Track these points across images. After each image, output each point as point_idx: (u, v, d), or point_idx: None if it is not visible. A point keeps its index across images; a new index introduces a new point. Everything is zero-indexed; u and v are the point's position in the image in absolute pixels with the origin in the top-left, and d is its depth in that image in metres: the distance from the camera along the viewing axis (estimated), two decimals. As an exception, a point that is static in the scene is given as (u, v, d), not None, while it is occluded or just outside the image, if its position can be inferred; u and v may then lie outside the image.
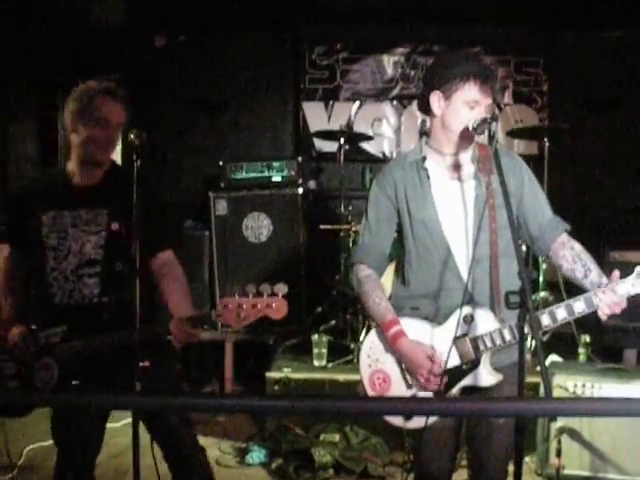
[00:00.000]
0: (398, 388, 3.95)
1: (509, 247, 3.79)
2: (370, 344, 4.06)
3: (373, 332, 4.07)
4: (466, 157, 3.95)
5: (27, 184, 4.69)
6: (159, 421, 4.41)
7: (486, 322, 3.84)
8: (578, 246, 4.00)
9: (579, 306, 3.73)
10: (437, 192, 3.96)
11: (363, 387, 4.06)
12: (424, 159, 3.99)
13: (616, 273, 3.72)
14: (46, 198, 4.36)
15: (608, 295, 3.68)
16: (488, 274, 3.91)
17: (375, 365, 4.02)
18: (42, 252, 4.33)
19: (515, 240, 3.47)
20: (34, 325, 4.30)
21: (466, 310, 3.84)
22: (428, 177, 3.97)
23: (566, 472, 5.62)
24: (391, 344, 3.90)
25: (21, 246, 4.47)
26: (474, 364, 3.85)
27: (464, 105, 3.87)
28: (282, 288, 3.79)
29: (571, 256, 3.96)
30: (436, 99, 3.94)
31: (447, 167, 3.98)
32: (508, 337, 3.76)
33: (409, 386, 3.93)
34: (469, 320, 3.83)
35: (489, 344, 3.81)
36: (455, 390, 3.87)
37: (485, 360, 3.84)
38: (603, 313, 3.73)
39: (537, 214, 4.04)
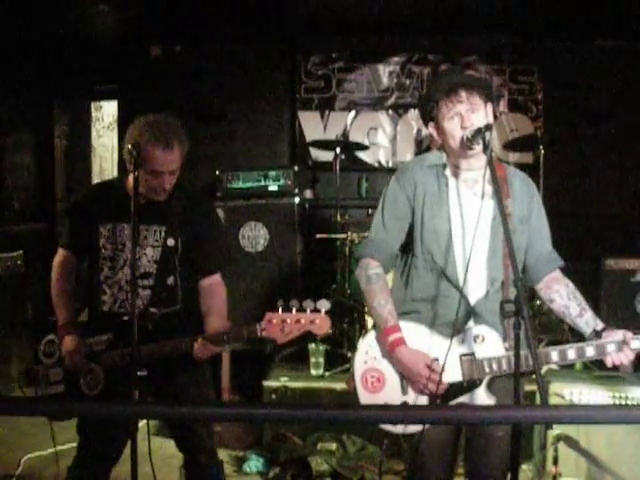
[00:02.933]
0: (392, 391, 3.95)
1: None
2: (371, 341, 4.04)
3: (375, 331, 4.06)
4: (481, 175, 3.95)
5: (87, 194, 4.76)
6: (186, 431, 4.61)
7: (494, 346, 3.86)
8: (572, 285, 4.07)
9: (590, 351, 3.81)
10: (454, 204, 3.97)
11: (353, 382, 4.03)
12: (445, 166, 4.02)
13: (629, 335, 3.79)
14: (106, 210, 4.49)
15: (626, 353, 3.78)
16: (500, 296, 3.94)
17: (372, 363, 4.00)
18: (97, 261, 4.49)
19: (510, 247, 3.47)
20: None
21: (478, 330, 3.86)
22: (447, 185, 3.99)
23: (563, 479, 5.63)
24: (389, 350, 3.89)
25: (78, 254, 4.63)
26: (475, 384, 3.87)
27: (450, 122, 3.90)
28: (325, 304, 3.93)
29: (566, 293, 4.03)
30: (433, 131, 4.03)
31: (464, 181, 3.99)
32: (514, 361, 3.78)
33: (404, 392, 3.93)
34: (480, 341, 3.85)
35: (495, 368, 3.83)
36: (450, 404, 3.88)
37: (485, 382, 3.86)
38: (612, 362, 3.80)
39: (537, 244, 4.09)
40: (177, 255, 4.45)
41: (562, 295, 4.02)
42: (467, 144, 3.81)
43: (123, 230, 4.46)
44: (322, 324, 4.01)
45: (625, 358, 3.78)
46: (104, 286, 4.47)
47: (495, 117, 4.03)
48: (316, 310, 3.96)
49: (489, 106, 3.92)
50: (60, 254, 4.64)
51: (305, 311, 3.97)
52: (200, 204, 4.67)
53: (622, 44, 9.28)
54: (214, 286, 4.66)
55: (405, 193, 4.02)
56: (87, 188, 4.73)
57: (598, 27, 8.96)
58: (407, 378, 3.90)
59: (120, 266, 4.45)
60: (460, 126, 3.85)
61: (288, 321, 3.99)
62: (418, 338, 3.91)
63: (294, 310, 4.01)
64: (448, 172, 4.00)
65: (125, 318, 4.27)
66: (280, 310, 3.99)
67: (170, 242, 4.42)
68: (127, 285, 4.42)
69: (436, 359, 3.87)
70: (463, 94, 3.86)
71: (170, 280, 4.47)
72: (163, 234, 4.44)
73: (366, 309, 7.06)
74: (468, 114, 3.85)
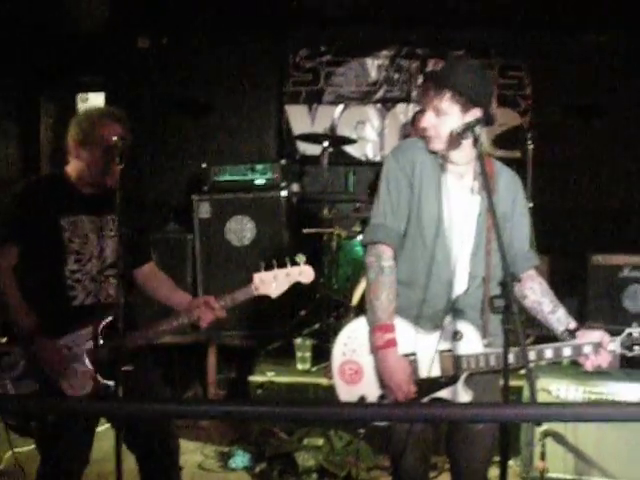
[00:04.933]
0: (369, 385, 3.94)
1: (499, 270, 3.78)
2: (351, 333, 4.02)
3: (359, 321, 4.03)
4: (471, 170, 3.94)
5: (31, 187, 4.53)
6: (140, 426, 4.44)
7: (473, 343, 3.86)
8: (545, 283, 4.10)
9: (567, 352, 3.83)
10: (446, 194, 3.94)
11: (331, 373, 4.04)
12: (436, 153, 3.98)
13: (606, 338, 3.80)
14: (61, 203, 4.40)
15: (603, 356, 3.78)
16: (481, 293, 3.93)
17: (350, 355, 3.98)
18: (59, 256, 4.36)
19: (501, 244, 3.44)
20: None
21: (458, 326, 3.85)
22: (440, 171, 3.96)
23: (550, 475, 5.64)
24: (379, 347, 3.85)
25: (30, 250, 4.39)
26: (453, 380, 3.86)
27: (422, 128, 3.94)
28: (301, 257, 4.09)
29: (540, 290, 4.05)
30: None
31: (452, 173, 3.96)
32: (493, 363, 3.78)
33: (382, 387, 3.91)
34: (459, 337, 3.84)
35: (473, 365, 3.83)
36: (426, 399, 3.87)
37: (463, 378, 3.85)
38: (590, 365, 3.79)
39: (516, 242, 4.09)
40: (130, 242, 4.35)
41: (535, 291, 4.04)
42: (457, 137, 3.78)
43: (84, 222, 4.41)
44: (307, 273, 4.31)
45: (603, 360, 3.78)
46: (70, 280, 4.35)
47: (493, 114, 4.01)
48: (296, 263, 4.17)
49: (474, 111, 3.85)
50: (4, 254, 4.37)
51: (286, 265, 4.17)
52: (128, 192, 4.41)
53: (611, 38, 9.28)
54: (152, 271, 4.73)
55: (405, 172, 3.97)
56: (26, 183, 4.52)
57: (587, 22, 8.96)
58: (384, 382, 3.87)
59: (87, 259, 4.39)
60: (435, 120, 3.87)
61: (278, 276, 4.21)
62: (400, 333, 3.89)
63: (276, 268, 4.26)
64: (441, 160, 3.97)
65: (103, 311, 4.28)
66: (264, 269, 4.17)
67: (123, 230, 4.24)
68: (99, 276, 4.40)
69: (415, 354, 3.87)
70: (431, 92, 3.86)
71: (129, 268, 4.48)
72: (116, 223, 4.37)
73: (354, 301, 7.04)
74: (429, 115, 3.89)
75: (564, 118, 9.22)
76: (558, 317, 3.94)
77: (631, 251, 7.47)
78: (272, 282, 4.23)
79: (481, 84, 3.86)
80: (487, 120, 3.86)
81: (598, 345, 3.76)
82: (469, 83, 3.80)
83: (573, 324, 3.89)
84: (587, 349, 3.76)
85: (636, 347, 3.77)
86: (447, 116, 3.83)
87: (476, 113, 3.83)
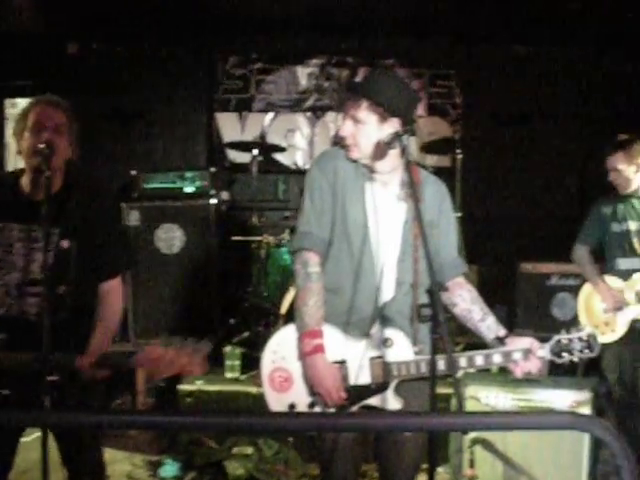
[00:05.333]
0: (299, 392, 3.92)
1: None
2: (280, 340, 4.01)
3: (287, 329, 4.01)
4: (398, 178, 3.95)
5: None
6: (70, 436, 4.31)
7: (403, 350, 3.86)
8: (475, 290, 4.10)
9: (497, 359, 3.84)
10: (369, 201, 3.94)
11: (260, 379, 4.01)
12: (360, 161, 3.97)
13: (536, 344, 3.82)
14: None
15: (534, 362, 3.80)
16: (410, 300, 3.94)
17: (280, 363, 3.96)
18: None
19: (427, 252, 3.44)
20: None
21: (388, 333, 3.85)
22: (364, 180, 3.96)
23: (479, 482, 5.67)
24: (307, 353, 3.83)
25: None
26: (383, 387, 3.86)
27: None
28: (206, 346, 3.77)
29: (469, 297, 4.06)
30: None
31: (377, 181, 3.97)
32: (424, 370, 3.78)
33: (312, 394, 3.90)
34: (389, 344, 3.85)
35: (404, 372, 3.83)
36: (356, 408, 3.87)
37: (393, 385, 3.85)
38: (520, 371, 3.83)
39: (444, 249, 4.09)
40: (72, 259, 4.11)
41: (465, 299, 4.05)
42: (384, 147, 3.79)
43: (12, 230, 4.13)
44: (199, 367, 3.83)
45: (532, 367, 3.81)
46: None
47: (413, 121, 4.01)
48: (196, 350, 3.84)
49: (392, 121, 3.85)
50: None
51: (184, 350, 3.82)
52: (100, 198, 4.34)
53: (538, 49, 9.41)
54: (110, 293, 4.29)
55: (327, 180, 3.96)
56: None
57: (516, 33, 9.06)
58: (312, 387, 3.87)
59: (7, 270, 4.10)
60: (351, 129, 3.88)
61: (167, 358, 3.81)
62: (329, 341, 3.87)
63: (173, 349, 3.78)
64: (364, 169, 3.97)
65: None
66: (159, 345, 3.83)
67: (64, 245, 4.08)
68: (15, 290, 4.09)
69: (345, 361, 3.86)
70: (348, 102, 3.88)
71: (61, 289, 4.10)
72: (56, 236, 4.09)
73: (283, 309, 7.03)
74: (348, 124, 3.89)
75: (493, 127, 9.34)
76: (488, 325, 3.96)
77: (559, 259, 7.55)
78: (158, 362, 3.81)
79: (400, 95, 3.86)
80: (408, 131, 3.87)
81: (528, 351, 3.78)
82: (387, 93, 3.81)
83: (503, 331, 3.91)
84: (517, 355, 3.78)
85: (565, 354, 3.80)
86: (365, 125, 3.83)
87: (394, 123, 3.83)
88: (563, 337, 3.81)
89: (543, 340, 3.85)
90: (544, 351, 3.80)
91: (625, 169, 6.11)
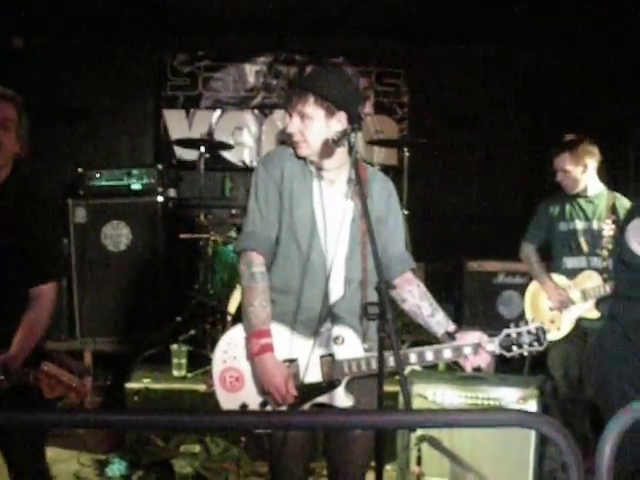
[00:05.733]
0: (251, 391, 3.91)
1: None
2: (230, 340, 3.99)
3: (237, 328, 3.99)
4: (345, 175, 3.95)
5: None
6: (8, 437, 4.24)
7: (354, 347, 3.87)
8: (423, 286, 4.12)
9: (447, 354, 3.85)
10: (317, 199, 3.95)
11: (212, 381, 3.99)
12: (306, 159, 3.98)
13: (485, 339, 3.84)
14: None
15: (483, 356, 3.82)
16: (359, 297, 3.95)
17: (231, 362, 3.94)
18: None
19: (374, 250, 3.45)
20: None
21: (338, 331, 3.86)
22: (311, 179, 3.96)
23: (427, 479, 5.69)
24: (256, 352, 3.82)
25: None
26: (334, 385, 3.86)
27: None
28: (90, 373, 3.81)
29: (418, 293, 4.07)
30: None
31: (324, 179, 3.97)
32: (374, 366, 3.78)
33: (263, 393, 3.89)
34: (340, 342, 3.85)
35: (354, 369, 3.84)
36: (307, 406, 3.87)
37: (344, 383, 3.86)
38: (470, 366, 3.85)
39: (392, 245, 4.11)
40: (6, 261, 4.02)
41: (414, 295, 4.06)
42: (332, 145, 3.79)
43: None
44: (85, 391, 3.94)
45: (482, 361, 3.83)
46: None
47: (360, 118, 4.02)
48: (88, 372, 3.88)
49: (339, 116, 3.87)
50: None
51: (73, 373, 3.84)
52: (37, 203, 4.23)
53: (486, 49, 9.47)
54: (39, 299, 4.14)
55: (273, 179, 3.95)
56: None
57: (465, 33, 9.12)
58: (262, 386, 3.86)
59: None
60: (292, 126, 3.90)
61: (62, 380, 3.79)
62: (279, 339, 3.87)
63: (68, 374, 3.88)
64: (311, 166, 3.98)
65: None
66: (57, 362, 3.83)
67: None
68: None
69: (295, 360, 3.86)
70: (294, 98, 3.89)
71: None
72: None
73: (229, 309, 7.02)
74: (295, 120, 3.90)
75: (440, 126, 9.38)
76: (438, 320, 3.98)
77: (505, 258, 7.62)
78: (53, 381, 3.77)
79: (344, 88, 3.89)
80: (354, 123, 3.88)
81: (477, 346, 3.80)
82: (332, 87, 3.83)
83: (452, 326, 3.93)
84: (467, 350, 3.80)
85: (514, 347, 3.82)
86: (312, 120, 3.84)
87: (341, 117, 3.85)
88: (512, 331, 3.83)
89: (493, 336, 3.88)
90: (493, 345, 3.82)
91: (572, 170, 6.17)
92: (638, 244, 3.90)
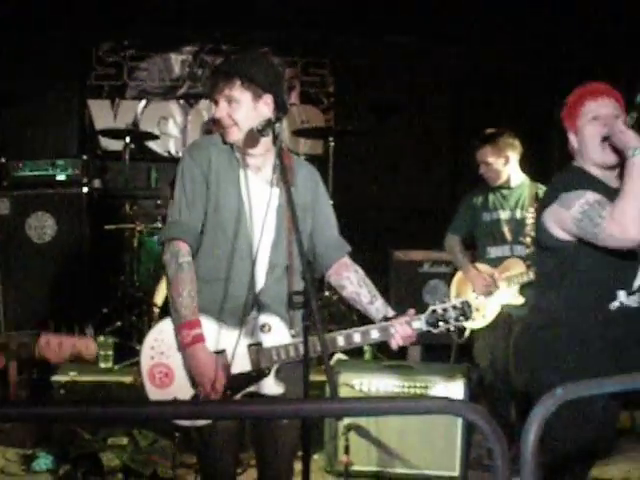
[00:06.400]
0: (181, 386, 3.87)
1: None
2: (157, 334, 3.93)
3: (164, 323, 3.95)
4: (271, 162, 3.96)
5: None
6: None
7: (281, 334, 3.87)
8: (361, 270, 4.14)
9: (374, 334, 3.86)
10: (243, 187, 3.94)
11: (141, 378, 3.94)
12: (232, 147, 3.97)
13: (411, 311, 3.88)
14: None
15: (404, 328, 3.83)
16: (285, 284, 3.95)
17: (159, 358, 3.89)
18: None
19: (299, 238, 3.47)
20: None
21: (265, 319, 3.86)
22: (238, 167, 3.95)
23: (355, 468, 5.72)
24: (187, 344, 3.78)
25: None
26: (264, 373, 3.87)
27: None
28: (91, 330, 3.88)
29: (356, 279, 4.09)
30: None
31: (250, 167, 3.98)
32: (303, 352, 3.79)
33: (194, 386, 3.86)
34: (267, 330, 3.86)
35: (283, 356, 3.84)
36: (239, 396, 3.87)
37: (274, 371, 3.87)
38: (395, 343, 3.86)
39: (325, 231, 4.13)
40: None
41: (353, 282, 4.07)
42: (257, 134, 3.80)
43: None
44: (92, 350, 4.06)
45: (408, 339, 3.85)
46: None
47: (285, 109, 4.04)
48: (84, 334, 3.95)
49: (265, 98, 3.89)
50: None
51: (74, 334, 3.95)
52: None
53: (410, 40, 9.52)
54: None
55: (200, 169, 3.93)
56: None
57: (390, 24, 9.16)
58: (194, 377, 3.85)
59: None
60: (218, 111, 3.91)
61: (64, 344, 3.88)
62: (206, 330, 3.84)
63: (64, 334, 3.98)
64: (238, 154, 3.98)
65: None
66: (53, 331, 3.93)
67: None
68: None
69: (224, 350, 3.84)
70: (220, 83, 3.88)
71: None
72: None
73: (156, 300, 7.00)
74: (222, 105, 3.90)
75: (366, 116, 9.42)
76: (377, 307, 3.99)
77: (431, 247, 7.68)
78: (56, 348, 3.99)
79: (269, 72, 3.93)
80: (280, 107, 3.91)
81: (404, 323, 3.84)
82: (258, 70, 3.86)
83: (391, 312, 3.95)
84: (393, 330, 3.83)
85: (441, 323, 3.85)
86: (239, 104, 3.84)
87: (268, 100, 3.87)
88: (437, 307, 3.86)
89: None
90: (420, 322, 3.84)
91: (494, 162, 6.25)
92: (557, 227, 3.95)
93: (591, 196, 3.81)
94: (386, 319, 3.92)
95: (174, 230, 3.95)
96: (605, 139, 3.89)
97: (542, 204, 4.11)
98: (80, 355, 3.98)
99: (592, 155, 3.96)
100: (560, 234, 3.95)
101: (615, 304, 3.93)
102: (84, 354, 3.98)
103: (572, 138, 4.06)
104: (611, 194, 3.82)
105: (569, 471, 4.11)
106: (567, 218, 3.86)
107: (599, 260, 3.90)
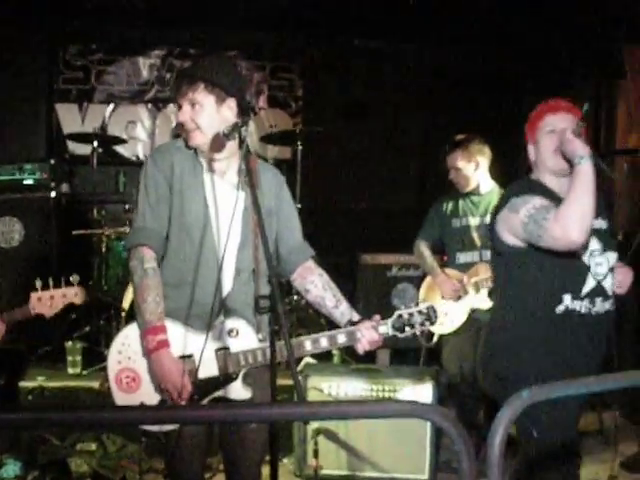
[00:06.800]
0: (148, 391, 3.87)
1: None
2: (124, 339, 3.93)
3: (130, 328, 3.94)
4: (235, 165, 3.96)
5: None
6: None
7: (248, 339, 3.87)
8: (326, 274, 4.16)
9: (341, 338, 3.88)
10: (209, 190, 3.94)
11: (108, 383, 3.94)
12: (196, 151, 3.97)
13: (377, 316, 3.91)
14: None
15: (371, 333, 3.86)
16: (252, 288, 3.96)
17: (126, 363, 3.90)
18: None
19: (265, 242, 3.47)
20: None
21: (232, 323, 3.86)
22: (202, 171, 3.95)
23: (324, 472, 5.73)
24: (152, 350, 3.77)
25: None
26: (232, 377, 3.87)
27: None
28: (75, 277, 4.05)
29: (321, 283, 4.11)
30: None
31: (215, 171, 3.97)
32: (270, 356, 3.79)
33: (161, 392, 3.86)
34: (234, 335, 3.86)
35: (251, 361, 3.84)
36: (206, 400, 3.86)
37: (241, 375, 3.87)
38: (362, 348, 3.88)
39: (289, 235, 4.15)
40: None
41: (317, 285, 4.10)
42: (223, 138, 3.80)
43: None
44: (81, 294, 4.32)
45: (374, 344, 3.88)
46: None
47: (254, 112, 4.06)
48: (70, 283, 4.15)
49: (229, 102, 3.90)
50: None
51: (61, 285, 4.16)
52: None
53: (377, 44, 9.56)
54: None
55: (163, 174, 3.93)
56: None
57: (357, 28, 9.19)
58: (159, 383, 3.84)
59: None
60: (186, 115, 3.89)
61: (55, 296, 4.14)
62: (173, 336, 3.84)
63: (52, 286, 4.28)
64: (201, 158, 3.98)
65: None
66: (40, 288, 4.16)
67: None
68: None
69: (191, 355, 3.84)
70: (184, 86, 3.88)
71: None
72: None
73: (124, 304, 6.98)
74: (186, 109, 3.89)
75: (334, 120, 9.44)
76: (342, 311, 4.01)
77: (399, 250, 7.69)
78: (48, 302, 4.22)
79: (233, 75, 3.96)
80: (245, 111, 3.92)
81: (370, 328, 3.86)
82: (220, 74, 3.87)
83: (356, 316, 3.97)
84: (359, 334, 3.85)
85: (407, 328, 3.88)
86: (203, 107, 3.85)
87: (231, 104, 3.89)
88: (403, 312, 3.89)
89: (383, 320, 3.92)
90: (386, 327, 3.87)
91: (464, 167, 6.27)
92: (508, 233, 4.08)
93: (538, 201, 3.97)
94: (352, 323, 3.95)
95: (138, 236, 3.94)
96: (558, 150, 4.04)
97: (494, 211, 4.26)
98: (71, 302, 4.25)
99: (546, 163, 4.12)
100: (510, 240, 4.11)
101: (560, 308, 4.07)
102: (74, 300, 4.23)
103: (531, 149, 4.25)
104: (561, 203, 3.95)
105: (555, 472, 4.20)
106: (515, 222, 4.01)
107: (547, 266, 4.05)
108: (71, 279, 4.24)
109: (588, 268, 4.07)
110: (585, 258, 4.05)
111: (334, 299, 4.05)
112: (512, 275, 4.21)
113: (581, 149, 3.88)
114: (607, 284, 4.13)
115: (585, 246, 3.99)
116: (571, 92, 9.42)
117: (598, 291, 4.10)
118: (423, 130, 9.80)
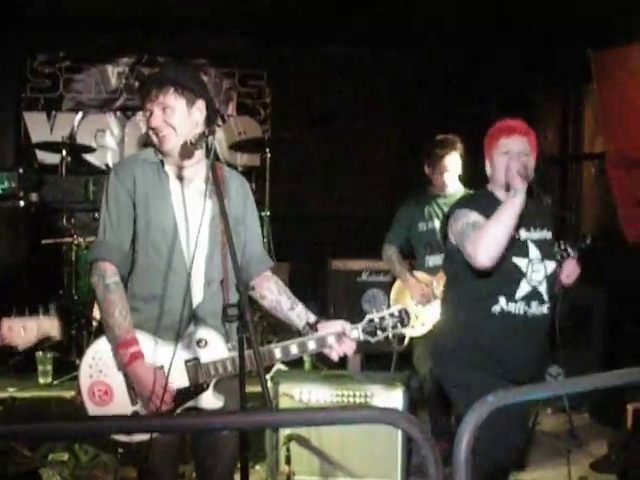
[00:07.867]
0: (121, 403, 3.85)
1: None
2: (94, 353, 3.91)
3: (100, 341, 3.92)
4: (202, 173, 3.97)
5: None
6: None
7: (218, 349, 3.87)
8: (281, 282, 4.18)
9: (312, 345, 3.89)
10: (176, 200, 3.94)
11: (81, 396, 3.90)
12: (162, 162, 3.96)
13: (347, 326, 3.91)
14: None
15: (345, 342, 3.87)
16: (221, 298, 3.96)
17: (97, 376, 3.87)
18: None
19: (232, 250, 3.48)
20: None
21: (201, 334, 3.86)
22: (168, 181, 3.95)
23: (297, 478, 5.71)
24: (127, 363, 3.77)
25: None
26: (202, 388, 3.87)
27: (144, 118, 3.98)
28: (52, 307, 3.85)
29: (277, 289, 4.12)
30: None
31: (182, 179, 3.98)
32: (239, 364, 3.79)
33: (133, 402, 3.85)
34: (203, 345, 3.85)
35: (221, 370, 3.84)
36: (179, 411, 3.86)
37: (212, 385, 3.88)
38: (336, 355, 3.90)
39: (250, 245, 4.16)
40: None
41: (273, 291, 4.11)
42: (191, 147, 3.81)
43: None
44: (57, 328, 3.93)
45: (348, 348, 3.89)
46: None
47: (223, 120, 4.07)
48: (47, 312, 3.92)
49: (198, 104, 3.92)
50: None
51: (38, 314, 3.91)
52: None
53: (346, 51, 9.59)
54: None
55: (125, 187, 3.90)
56: None
57: (326, 35, 9.21)
58: (139, 394, 3.84)
59: None
60: (153, 120, 3.88)
61: (28, 327, 3.85)
62: (144, 347, 3.82)
63: (27, 314, 3.93)
64: (168, 168, 3.97)
65: None
66: (14, 315, 3.91)
67: None
68: None
69: (162, 367, 3.82)
70: (153, 91, 3.89)
71: None
72: None
73: (94, 315, 6.96)
74: (157, 114, 3.89)
75: (303, 127, 9.45)
76: (298, 313, 4.03)
77: (369, 256, 7.71)
78: (21, 332, 3.95)
79: (197, 79, 4.06)
80: (212, 114, 3.95)
81: (341, 334, 3.86)
82: (187, 77, 3.92)
83: (313, 318, 3.98)
84: (331, 340, 3.85)
85: (379, 332, 3.90)
86: (174, 110, 3.85)
87: (201, 105, 3.91)
88: (375, 316, 3.91)
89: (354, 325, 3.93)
90: (357, 332, 3.89)
91: (456, 168, 6.33)
92: (452, 235, 4.41)
93: (472, 217, 4.35)
94: (310, 325, 3.97)
95: (99, 251, 3.94)
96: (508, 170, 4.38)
97: (447, 214, 4.59)
98: (46, 335, 3.95)
99: (499, 180, 4.49)
100: (454, 241, 4.45)
101: (496, 308, 4.38)
102: (50, 334, 3.95)
103: (487, 164, 4.60)
104: None
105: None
106: (455, 229, 4.41)
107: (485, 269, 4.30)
108: (50, 308, 4.04)
109: (523, 274, 4.39)
110: (523, 265, 4.38)
111: (289, 301, 4.07)
112: (456, 274, 4.55)
113: (519, 185, 4.25)
114: (543, 289, 4.44)
115: (525, 254, 4.38)
116: (539, 96, 9.54)
117: (534, 295, 4.42)
118: (392, 136, 9.82)
